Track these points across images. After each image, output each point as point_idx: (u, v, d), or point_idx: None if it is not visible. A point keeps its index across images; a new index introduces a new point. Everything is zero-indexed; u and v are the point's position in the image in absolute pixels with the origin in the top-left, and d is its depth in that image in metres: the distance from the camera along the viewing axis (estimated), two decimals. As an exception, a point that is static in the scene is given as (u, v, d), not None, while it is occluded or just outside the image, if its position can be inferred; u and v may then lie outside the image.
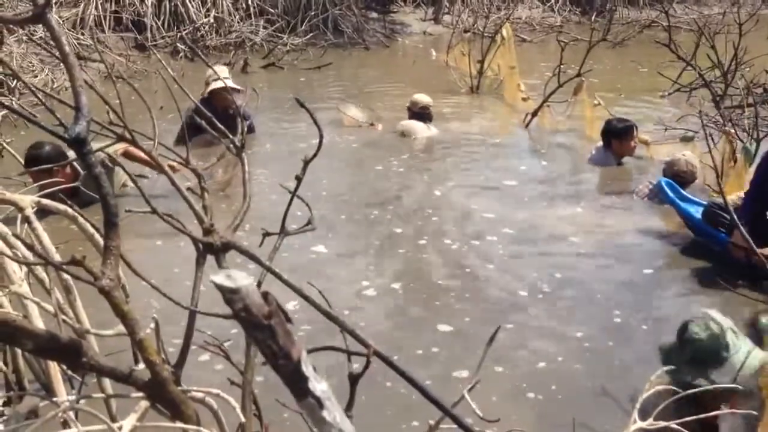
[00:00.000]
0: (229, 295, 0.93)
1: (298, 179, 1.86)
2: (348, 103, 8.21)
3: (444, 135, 7.33)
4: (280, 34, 12.11)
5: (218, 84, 6.00)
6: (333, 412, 1.02)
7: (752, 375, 2.51)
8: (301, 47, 11.88)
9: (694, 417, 1.77)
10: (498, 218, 5.15)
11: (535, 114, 7.53)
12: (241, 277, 0.93)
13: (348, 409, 1.69)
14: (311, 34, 12.39)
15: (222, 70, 6.35)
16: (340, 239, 4.78)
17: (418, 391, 1.72)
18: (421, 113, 7.28)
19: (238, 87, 6.53)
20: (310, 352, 1.82)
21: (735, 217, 3.76)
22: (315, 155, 1.82)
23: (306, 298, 1.73)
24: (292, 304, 3.46)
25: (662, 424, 1.68)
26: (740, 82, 7.58)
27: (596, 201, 5.51)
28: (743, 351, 2.55)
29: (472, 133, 7.52)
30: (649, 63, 9.42)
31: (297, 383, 1.01)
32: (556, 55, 7.90)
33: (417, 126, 7.24)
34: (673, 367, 2.46)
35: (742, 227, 3.72)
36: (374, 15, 14.35)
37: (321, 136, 1.84)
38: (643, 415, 1.68)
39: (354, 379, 1.70)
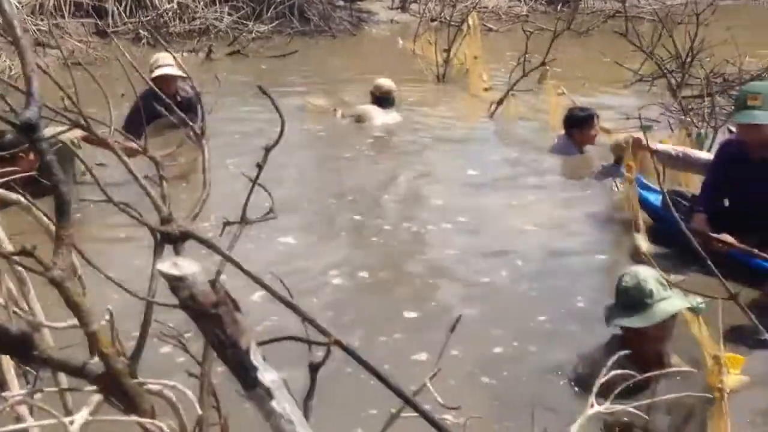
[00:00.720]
0: (175, 282, 0.92)
1: (259, 167, 1.83)
2: (312, 90, 8.19)
3: (408, 123, 7.34)
4: (245, 21, 11.99)
5: (162, 71, 5.92)
6: (283, 403, 1.01)
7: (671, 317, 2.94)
8: (266, 35, 11.79)
9: (648, 401, 1.80)
10: (460, 207, 5.16)
11: (500, 103, 7.56)
12: (187, 265, 0.92)
13: (308, 398, 1.69)
14: (277, 22, 12.29)
15: (165, 57, 6.12)
16: (307, 229, 4.76)
17: (379, 380, 1.73)
18: (384, 98, 7.25)
19: (182, 74, 6.25)
20: (268, 342, 1.82)
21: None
22: (276, 143, 1.80)
23: (265, 287, 1.71)
24: (258, 295, 3.44)
25: (619, 407, 1.70)
26: (700, 71, 7.70)
27: (557, 190, 5.55)
28: (666, 298, 2.93)
29: (437, 121, 7.53)
30: (612, 53, 9.50)
31: (245, 373, 1.00)
32: (521, 44, 7.94)
33: (373, 111, 7.21)
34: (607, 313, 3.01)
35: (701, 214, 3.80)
36: (341, 3, 14.27)
37: (282, 123, 1.82)
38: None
39: (314, 368, 1.69)
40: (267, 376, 0.97)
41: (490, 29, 13.58)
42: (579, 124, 6.07)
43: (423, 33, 10.41)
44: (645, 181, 5.02)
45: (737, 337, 3.36)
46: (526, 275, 4.16)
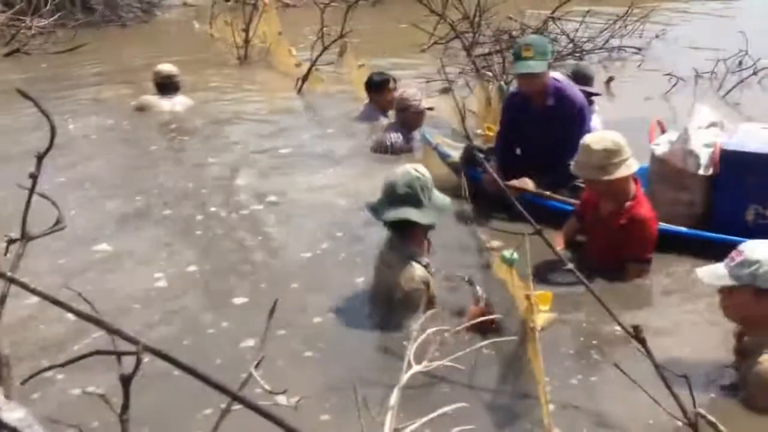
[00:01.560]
0: None
1: (33, 177, 1.70)
2: (105, 82, 7.79)
3: (212, 107, 7.18)
4: (21, 17, 10.99)
5: None
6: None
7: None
8: (49, 29, 10.89)
9: (461, 352, 1.90)
10: (274, 187, 5.12)
11: (305, 79, 7.56)
12: None
13: (123, 412, 1.61)
14: (58, 14, 11.39)
15: None
16: (120, 232, 4.51)
17: (199, 379, 1.68)
18: (165, 83, 6.93)
19: None
20: (75, 360, 1.71)
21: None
22: (48, 149, 1.69)
23: (59, 303, 1.60)
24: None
25: (436, 363, 1.78)
26: (488, 31, 8.13)
27: (364, 159, 5.60)
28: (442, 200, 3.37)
29: (243, 102, 7.42)
30: (407, 19, 9.76)
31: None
32: (320, 18, 7.95)
33: (153, 100, 6.96)
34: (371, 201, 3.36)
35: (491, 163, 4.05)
36: (127, -11, 13.51)
37: (53, 129, 1.70)
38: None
39: (125, 380, 1.61)
40: (12, 415, 0.89)
41: (287, 5, 13.46)
42: (377, 88, 6.23)
43: (219, 14, 10.10)
44: (444, 149, 5.19)
45: (544, 273, 3.63)
46: (344, 244, 4.20)
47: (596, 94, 5.39)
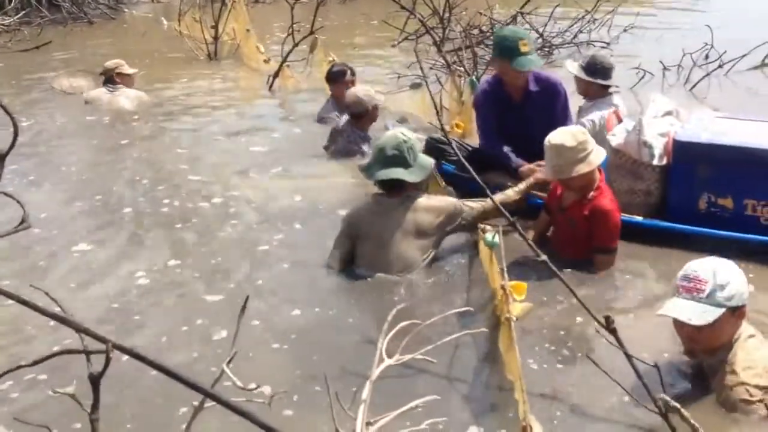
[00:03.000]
0: None
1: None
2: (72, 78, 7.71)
3: (181, 104, 7.14)
4: (-15, 15, 10.83)
5: None
6: None
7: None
8: (14, 27, 10.72)
9: (434, 345, 1.91)
10: (245, 184, 5.09)
11: (276, 75, 7.52)
12: None
13: (93, 411, 1.59)
14: (23, 12, 11.23)
15: None
16: (89, 232, 4.45)
17: (170, 377, 1.67)
18: (105, 77, 6.98)
19: None
20: (44, 360, 1.69)
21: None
22: (11, 147, 1.65)
23: (26, 303, 1.58)
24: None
25: (408, 357, 1.79)
26: (458, 27, 8.15)
27: (328, 159, 5.56)
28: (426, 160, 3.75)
29: (214, 100, 7.36)
30: (378, 15, 9.77)
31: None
32: (289, 14, 7.91)
33: (99, 94, 6.97)
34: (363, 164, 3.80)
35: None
36: (94, -14, 13.33)
37: (15, 127, 1.67)
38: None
39: (94, 380, 1.59)
40: None
41: (257, 1, 13.39)
42: (333, 79, 6.23)
43: (187, 11, 10.02)
44: None
45: (520, 263, 3.65)
46: (314, 241, 4.17)
47: (612, 86, 4.97)
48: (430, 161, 3.81)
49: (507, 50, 4.31)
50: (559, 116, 4.42)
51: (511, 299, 3.01)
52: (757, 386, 2.50)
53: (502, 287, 3.07)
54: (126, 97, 6.96)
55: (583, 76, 4.86)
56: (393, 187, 3.72)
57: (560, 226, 3.93)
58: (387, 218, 3.69)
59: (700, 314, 2.47)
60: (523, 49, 4.25)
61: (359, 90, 5.55)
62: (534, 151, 4.41)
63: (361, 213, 3.81)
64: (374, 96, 5.50)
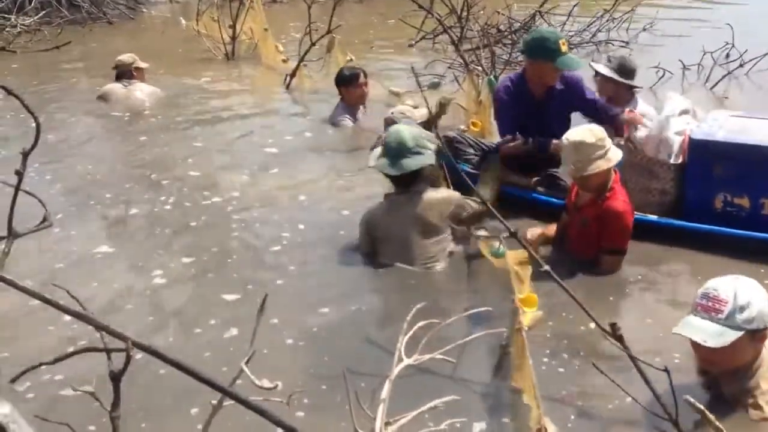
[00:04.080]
0: None
1: (19, 174, 1.68)
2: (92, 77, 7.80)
3: (198, 103, 7.16)
4: (6, 15, 10.90)
5: None
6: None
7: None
8: (34, 27, 10.80)
9: (453, 345, 1.90)
10: (262, 185, 5.10)
11: (293, 75, 7.53)
12: None
13: (113, 409, 1.60)
14: (44, 12, 11.30)
15: None
16: (114, 230, 4.48)
17: (190, 375, 1.67)
18: (118, 73, 7.04)
19: None
20: (64, 358, 1.70)
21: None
22: (34, 146, 1.67)
23: (47, 301, 1.59)
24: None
25: (427, 357, 1.78)
26: (475, 25, 8.12)
27: (341, 158, 5.55)
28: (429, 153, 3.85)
29: (231, 99, 7.38)
30: (395, 14, 9.75)
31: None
32: (306, 14, 7.92)
33: (114, 88, 7.01)
34: (383, 161, 3.86)
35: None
36: (113, -14, 13.42)
37: (38, 126, 1.68)
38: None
39: (115, 378, 1.60)
40: (-3, 411, 0.88)
41: (274, 1, 13.41)
42: (345, 83, 6.13)
43: (205, 11, 10.05)
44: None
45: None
46: (332, 240, 4.19)
47: (638, 88, 5.03)
48: (432, 137, 3.94)
49: (549, 51, 4.34)
50: (587, 108, 4.55)
51: (521, 310, 3.02)
52: None
53: (512, 299, 3.08)
54: (142, 92, 7.02)
55: (612, 75, 4.83)
56: (410, 179, 3.85)
57: (573, 224, 3.91)
58: (402, 216, 3.80)
59: (716, 336, 2.35)
60: (564, 48, 4.34)
61: (397, 116, 5.27)
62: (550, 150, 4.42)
63: (376, 214, 3.93)
64: (414, 114, 5.33)
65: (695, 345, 2.46)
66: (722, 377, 2.54)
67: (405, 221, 3.79)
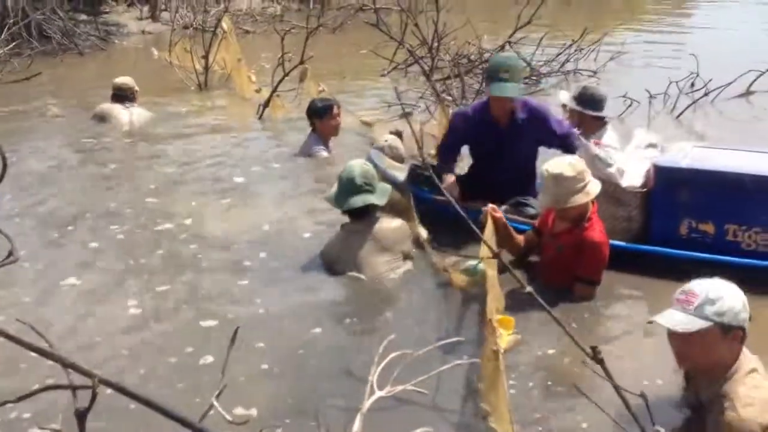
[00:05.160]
0: None
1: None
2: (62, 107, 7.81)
3: (171, 134, 7.14)
4: (-25, 46, 10.83)
5: None
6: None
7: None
8: (4, 58, 10.72)
9: (425, 376, 1.89)
10: (232, 214, 5.09)
11: (266, 105, 7.55)
12: None
13: (79, 450, 1.57)
14: (14, 43, 11.23)
15: None
16: (85, 262, 4.41)
17: (158, 412, 1.65)
18: (119, 94, 7.33)
19: None
20: (29, 396, 1.67)
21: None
22: (1, 179, 1.65)
23: (11, 337, 1.56)
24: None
25: (399, 388, 1.78)
26: (446, 55, 8.23)
27: (313, 187, 5.54)
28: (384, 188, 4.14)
29: (203, 129, 7.36)
30: (367, 44, 9.85)
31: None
32: (279, 44, 7.97)
33: (115, 109, 7.29)
34: (331, 195, 4.15)
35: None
36: (84, 17, 13.41)
37: (4, 159, 1.66)
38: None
39: (80, 416, 1.57)
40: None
41: (247, 31, 13.49)
42: (319, 115, 6.11)
43: (177, 41, 10.07)
44: (392, 173, 5.13)
45: (506, 297, 3.64)
46: (299, 269, 4.20)
47: (603, 117, 4.88)
48: (388, 187, 4.21)
49: (487, 75, 4.51)
50: (551, 140, 4.53)
51: (498, 332, 3.01)
52: (760, 425, 2.39)
53: (489, 321, 3.07)
54: (140, 116, 7.36)
55: (573, 106, 4.88)
56: (362, 213, 4.09)
57: (548, 251, 3.94)
58: (360, 242, 4.04)
59: (684, 324, 2.46)
60: (502, 75, 4.30)
61: (384, 146, 5.18)
62: (513, 177, 4.47)
63: (332, 245, 4.18)
64: (400, 145, 5.26)
65: (670, 338, 2.57)
66: (700, 379, 2.61)
67: (363, 245, 4.02)
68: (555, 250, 3.81)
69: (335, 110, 6.12)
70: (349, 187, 4.08)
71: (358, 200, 4.05)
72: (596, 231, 3.73)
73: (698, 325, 2.44)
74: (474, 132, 4.62)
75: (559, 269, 3.78)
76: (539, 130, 4.53)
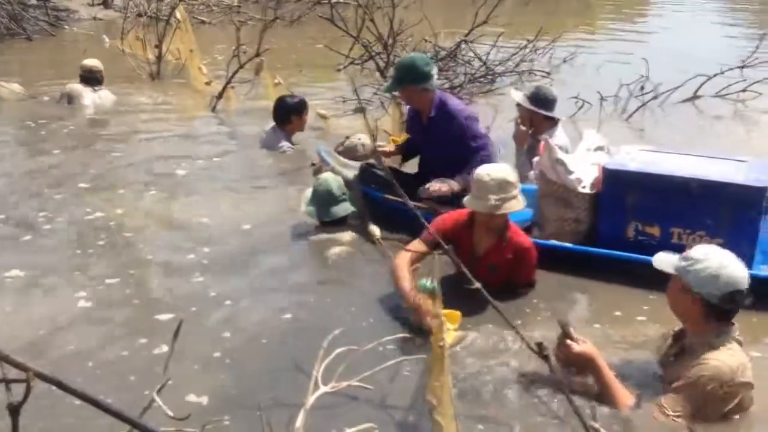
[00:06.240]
0: None
1: None
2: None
3: (121, 124, 7.00)
4: None
5: None
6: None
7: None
8: (-53, 42, 10.42)
9: (370, 372, 1.90)
10: (178, 206, 5.03)
11: (220, 96, 7.46)
12: None
13: (11, 445, 1.52)
14: (-41, 27, 10.92)
15: None
16: (29, 252, 4.29)
17: (96, 407, 1.61)
18: (89, 77, 7.48)
19: None
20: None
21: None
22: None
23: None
24: None
25: (344, 384, 1.77)
26: (403, 52, 8.24)
27: (266, 183, 5.48)
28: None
29: (155, 120, 7.24)
30: (324, 39, 9.80)
31: None
32: (234, 36, 7.88)
33: (82, 89, 7.46)
34: (311, 208, 4.39)
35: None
36: (33, 1, 13.06)
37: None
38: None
39: (14, 410, 1.53)
40: None
41: (203, 21, 13.31)
42: (298, 111, 6.09)
43: (130, 29, 9.88)
44: (338, 169, 5.13)
45: (454, 292, 3.64)
46: (247, 263, 4.17)
47: (552, 117, 4.95)
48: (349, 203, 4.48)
49: None
50: (458, 146, 4.55)
51: (444, 327, 3.01)
52: (730, 367, 2.59)
53: (436, 315, 3.06)
54: (107, 98, 7.54)
55: (526, 105, 4.94)
56: (340, 220, 4.38)
57: (480, 274, 3.66)
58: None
59: (659, 261, 2.81)
60: (391, 74, 4.74)
61: (356, 142, 5.53)
62: (431, 171, 4.68)
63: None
64: (368, 141, 5.50)
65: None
66: (687, 329, 2.84)
67: None
68: (487, 271, 3.60)
69: (307, 106, 6.18)
70: (327, 198, 4.37)
71: (340, 210, 4.38)
72: (522, 235, 3.73)
73: (664, 266, 2.75)
74: (409, 123, 5.02)
75: (495, 285, 3.68)
76: (448, 131, 4.58)
